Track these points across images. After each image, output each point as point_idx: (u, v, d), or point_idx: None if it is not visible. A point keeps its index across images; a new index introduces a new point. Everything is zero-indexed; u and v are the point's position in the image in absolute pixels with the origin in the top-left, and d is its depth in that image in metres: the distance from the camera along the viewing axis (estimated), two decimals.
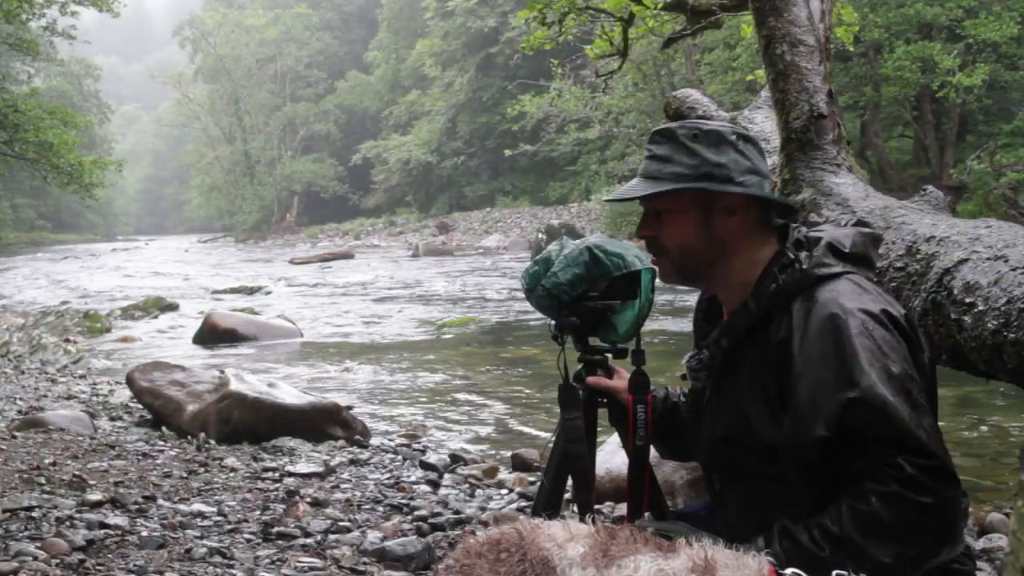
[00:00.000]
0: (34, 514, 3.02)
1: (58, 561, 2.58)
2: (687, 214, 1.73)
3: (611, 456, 3.68)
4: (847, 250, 1.67)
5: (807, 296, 1.61)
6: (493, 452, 4.99)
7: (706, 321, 1.92)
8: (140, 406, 5.71)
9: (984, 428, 5.14)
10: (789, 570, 1.31)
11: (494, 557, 1.35)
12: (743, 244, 1.73)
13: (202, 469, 4.08)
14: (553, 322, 2.27)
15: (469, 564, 1.36)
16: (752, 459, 1.66)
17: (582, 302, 2.20)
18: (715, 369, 1.76)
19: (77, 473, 3.67)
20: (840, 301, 1.56)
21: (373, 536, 3.12)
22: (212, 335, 10.13)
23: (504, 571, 1.32)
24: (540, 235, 25.03)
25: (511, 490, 3.99)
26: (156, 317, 13.05)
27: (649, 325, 2.32)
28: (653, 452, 2.25)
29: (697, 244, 1.74)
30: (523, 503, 3.72)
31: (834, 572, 1.30)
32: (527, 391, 6.86)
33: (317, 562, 2.82)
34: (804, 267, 1.64)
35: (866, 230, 1.75)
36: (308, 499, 3.58)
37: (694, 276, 1.79)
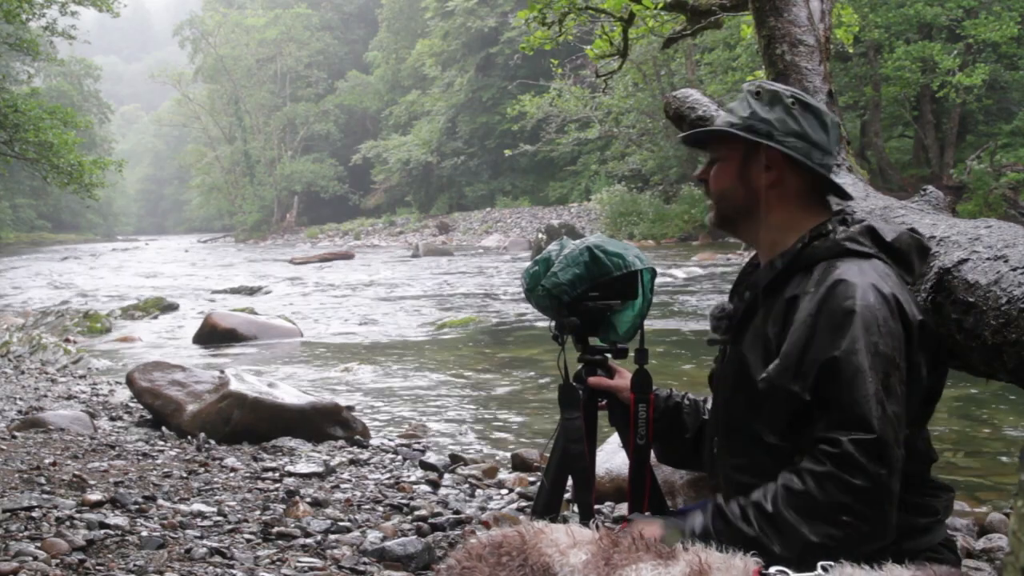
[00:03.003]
0: (34, 514, 3.02)
1: (58, 561, 2.58)
2: (732, 161, 1.81)
3: (611, 456, 3.68)
4: (887, 240, 1.71)
5: (830, 264, 1.65)
6: (493, 452, 4.99)
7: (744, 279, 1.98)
8: (140, 406, 5.71)
9: (984, 428, 5.13)
10: (773, 568, 1.32)
11: (495, 560, 1.35)
12: (778, 204, 1.78)
13: (202, 469, 4.08)
14: (553, 322, 2.27)
15: (470, 566, 1.36)
16: (745, 412, 1.70)
17: (582, 302, 2.20)
18: (735, 322, 1.82)
19: (77, 473, 3.67)
20: (857, 273, 1.61)
21: (373, 536, 3.12)
22: (212, 335, 10.13)
23: (504, 575, 1.32)
24: (540, 235, 25.03)
25: (511, 490, 3.99)
26: (156, 317, 13.05)
27: (649, 325, 2.32)
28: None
29: (734, 192, 1.82)
30: (523, 503, 3.72)
31: (819, 564, 1.31)
32: (527, 391, 6.86)
33: (317, 562, 2.82)
34: (837, 238, 1.69)
35: (917, 235, 1.77)
36: (308, 499, 3.58)
37: (730, 223, 1.86)
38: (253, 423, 4.89)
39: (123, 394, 6.43)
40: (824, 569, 1.29)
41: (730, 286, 1.97)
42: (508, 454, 4.72)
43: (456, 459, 4.58)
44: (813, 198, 1.80)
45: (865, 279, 1.59)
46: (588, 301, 2.20)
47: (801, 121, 1.75)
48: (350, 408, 5.67)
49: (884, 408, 1.49)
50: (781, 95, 1.77)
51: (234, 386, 5.07)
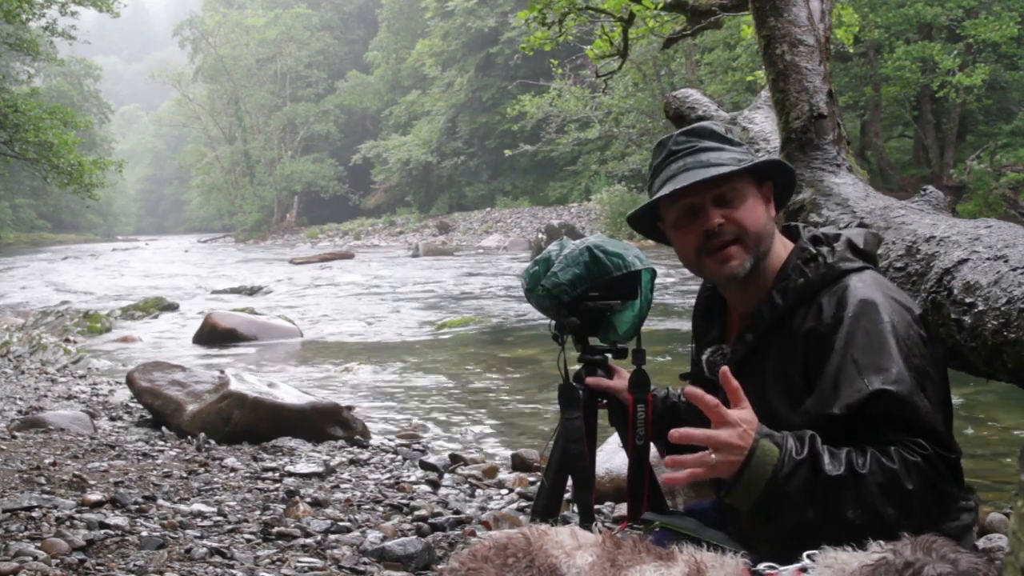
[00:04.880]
0: (34, 514, 3.02)
1: (58, 561, 2.58)
2: (755, 198, 1.76)
3: (611, 456, 3.68)
4: (862, 247, 1.74)
5: (834, 288, 1.66)
6: (493, 452, 4.99)
7: (705, 319, 1.96)
8: (140, 406, 5.70)
9: (984, 428, 5.13)
10: (762, 564, 1.33)
11: (501, 562, 1.36)
12: (774, 234, 1.80)
13: (202, 469, 4.08)
14: (553, 322, 2.27)
15: (475, 568, 1.36)
16: None
17: (582, 302, 2.20)
18: (737, 363, 1.77)
19: (77, 473, 3.67)
20: (871, 290, 1.62)
21: (373, 536, 3.12)
22: (212, 335, 10.13)
23: None
24: (540, 235, 25.03)
25: (511, 490, 3.99)
26: (156, 317, 13.05)
27: (649, 325, 2.32)
28: (653, 452, 2.25)
29: (768, 227, 1.77)
30: (523, 503, 3.72)
31: (804, 554, 1.31)
32: (527, 391, 6.86)
33: (317, 562, 2.82)
34: (829, 261, 1.69)
35: (872, 230, 1.84)
36: (308, 499, 3.58)
37: (761, 262, 1.75)
38: (253, 423, 4.89)
39: (123, 394, 6.43)
40: (810, 558, 1.29)
41: None
42: (508, 454, 4.72)
43: (456, 459, 4.58)
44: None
45: (878, 295, 1.61)
46: (588, 301, 2.20)
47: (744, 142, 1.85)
48: (350, 408, 5.67)
49: (939, 421, 1.54)
50: (733, 126, 1.82)
51: (234, 386, 5.07)
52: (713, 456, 1.48)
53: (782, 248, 1.77)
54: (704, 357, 1.92)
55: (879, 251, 1.90)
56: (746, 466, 1.48)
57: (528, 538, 1.40)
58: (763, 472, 1.47)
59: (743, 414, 1.52)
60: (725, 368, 1.55)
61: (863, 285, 1.63)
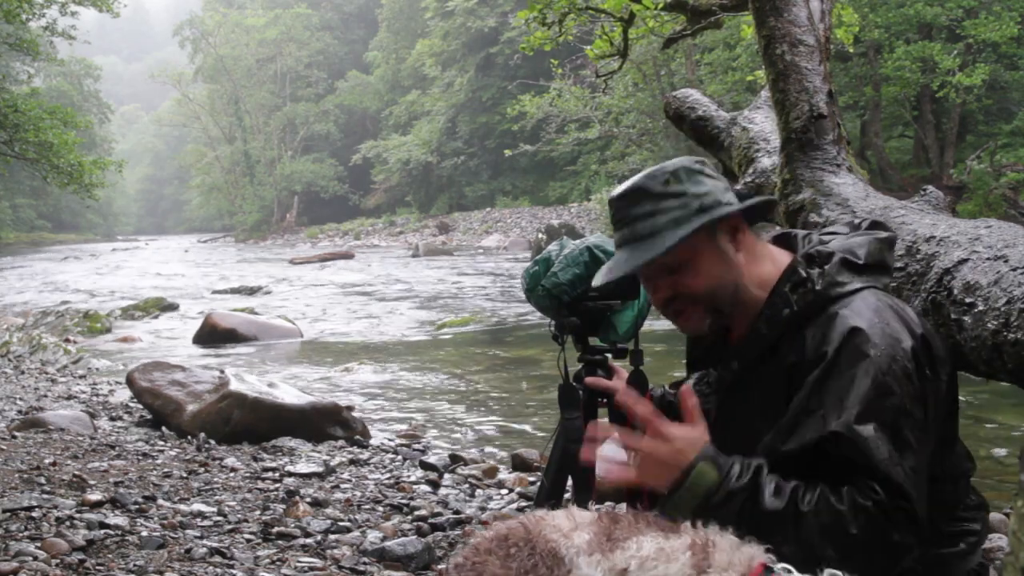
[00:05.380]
0: (34, 514, 3.02)
1: (58, 561, 2.58)
2: (702, 254, 1.64)
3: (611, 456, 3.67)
4: (862, 261, 1.61)
5: (820, 318, 1.56)
6: (493, 452, 4.99)
7: (696, 346, 1.88)
8: (140, 406, 5.71)
9: (984, 428, 5.14)
10: (779, 566, 1.32)
11: (504, 553, 1.37)
12: (751, 264, 1.67)
13: (202, 469, 4.08)
14: (553, 322, 2.27)
15: (480, 561, 1.37)
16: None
17: (582, 302, 2.20)
18: (724, 391, 1.73)
19: (77, 473, 3.67)
20: (859, 320, 1.51)
21: (373, 536, 3.12)
22: (212, 335, 10.13)
23: (516, 566, 1.34)
24: (540, 235, 25.03)
25: (511, 490, 3.99)
26: (156, 317, 13.05)
27: (648, 325, 2.32)
28: None
29: (724, 278, 1.64)
30: (523, 503, 3.72)
31: (826, 571, 1.31)
32: (527, 391, 6.86)
33: (317, 562, 2.82)
34: (817, 287, 1.58)
35: (882, 235, 1.68)
36: (308, 499, 3.58)
37: (727, 314, 1.68)
38: (253, 423, 4.89)
39: (123, 394, 6.43)
40: None
41: None
42: (508, 454, 4.72)
43: (456, 459, 4.58)
44: (758, 240, 1.72)
45: (862, 327, 1.50)
46: (588, 301, 2.20)
47: (716, 177, 1.67)
48: (350, 408, 5.68)
49: (902, 465, 1.43)
50: (690, 167, 1.65)
51: (234, 386, 5.07)
52: (633, 463, 1.49)
53: (772, 267, 1.67)
54: (690, 384, 1.87)
55: (895, 247, 1.74)
56: (680, 484, 1.48)
57: (526, 526, 1.41)
58: (696, 493, 1.47)
59: (686, 432, 1.51)
60: (687, 385, 1.54)
61: (851, 314, 1.52)
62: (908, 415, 1.46)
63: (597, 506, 3.15)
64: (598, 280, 1.74)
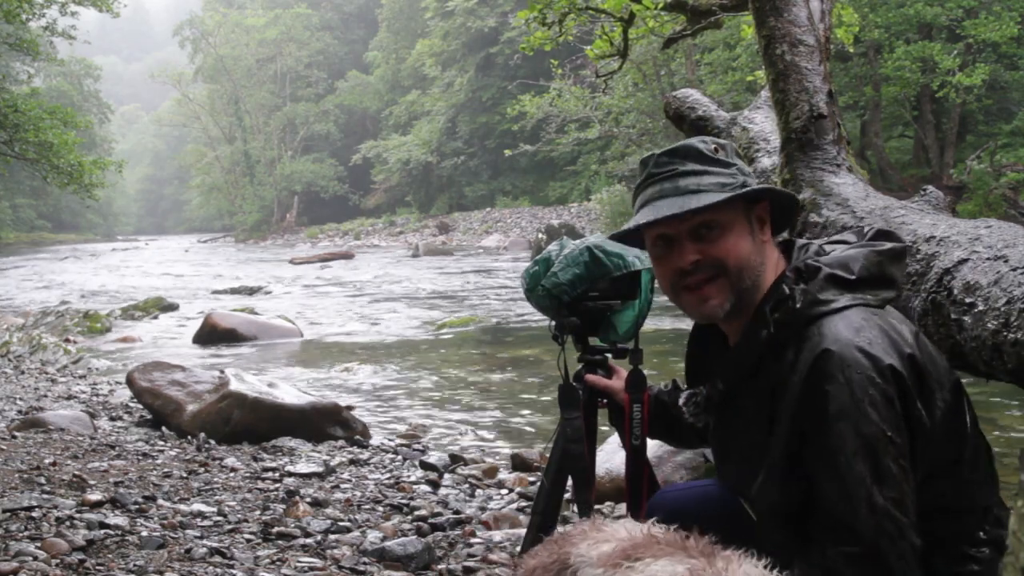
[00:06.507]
0: (34, 514, 3.02)
1: (58, 561, 2.58)
2: (739, 227, 1.56)
3: (611, 456, 3.68)
4: (855, 276, 1.52)
5: (797, 340, 1.48)
6: (493, 452, 4.99)
7: (698, 355, 1.81)
8: (140, 406, 5.71)
9: (984, 428, 5.13)
10: None
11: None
12: (768, 259, 1.61)
13: (202, 469, 4.08)
14: (553, 322, 2.27)
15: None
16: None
17: (582, 302, 2.20)
18: (714, 408, 1.71)
19: (77, 473, 3.67)
20: (823, 347, 1.42)
21: (373, 536, 3.12)
22: (212, 335, 10.13)
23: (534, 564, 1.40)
24: (540, 235, 25.04)
25: (511, 490, 3.99)
26: (156, 317, 13.05)
27: (648, 325, 2.32)
28: (652, 451, 2.25)
29: (752, 259, 1.56)
30: (523, 503, 3.72)
31: None
32: (527, 391, 6.86)
33: (317, 562, 2.82)
34: (798, 307, 1.50)
35: (884, 246, 1.58)
36: (308, 499, 3.58)
37: (748, 298, 1.57)
38: (253, 423, 4.89)
39: (123, 394, 6.43)
40: None
41: None
42: (508, 454, 4.72)
43: (456, 459, 4.58)
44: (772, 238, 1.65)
45: (839, 346, 1.41)
46: (588, 301, 2.20)
47: (744, 164, 1.63)
48: (350, 408, 5.68)
49: (869, 498, 1.35)
50: (728, 146, 1.61)
51: (234, 386, 5.07)
52: None
53: (772, 275, 1.60)
54: (681, 403, 1.84)
55: (905, 258, 1.64)
56: None
57: (569, 536, 1.43)
58: None
59: None
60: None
61: (826, 335, 1.43)
62: (888, 442, 1.37)
63: (597, 506, 3.15)
64: (638, 220, 1.60)
